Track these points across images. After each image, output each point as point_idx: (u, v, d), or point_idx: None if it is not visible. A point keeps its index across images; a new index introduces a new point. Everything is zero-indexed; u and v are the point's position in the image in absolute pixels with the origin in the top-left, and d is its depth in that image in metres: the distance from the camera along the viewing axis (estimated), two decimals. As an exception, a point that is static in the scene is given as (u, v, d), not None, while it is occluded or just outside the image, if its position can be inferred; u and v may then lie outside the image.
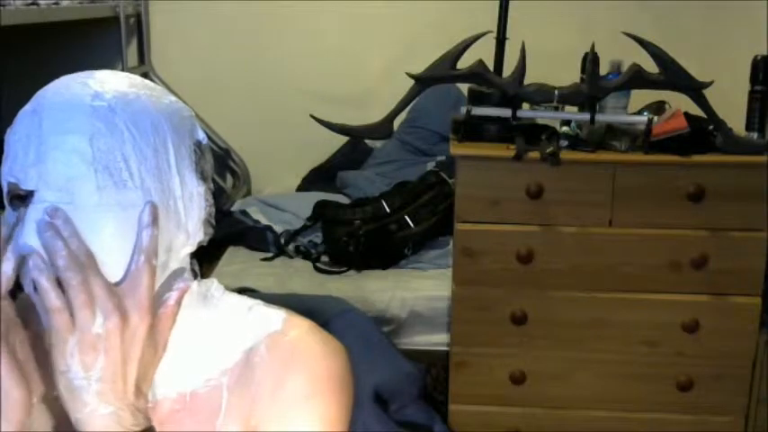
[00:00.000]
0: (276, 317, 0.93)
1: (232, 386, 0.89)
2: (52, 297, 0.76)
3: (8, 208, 0.82)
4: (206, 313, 0.91)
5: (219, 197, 3.22)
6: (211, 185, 0.90)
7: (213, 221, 0.90)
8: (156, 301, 0.83)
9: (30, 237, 0.78)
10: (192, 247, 0.89)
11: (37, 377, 0.81)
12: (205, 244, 0.91)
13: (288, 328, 0.91)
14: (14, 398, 0.78)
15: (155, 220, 0.80)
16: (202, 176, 0.88)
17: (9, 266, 0.78)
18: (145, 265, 0.79)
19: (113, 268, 0.79)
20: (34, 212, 0.79)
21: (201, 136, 0.90)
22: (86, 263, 0.77)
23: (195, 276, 0.91)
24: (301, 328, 0.92)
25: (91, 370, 0.76)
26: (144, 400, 0.79)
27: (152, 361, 0.80)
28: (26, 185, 0.80)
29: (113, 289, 0.78)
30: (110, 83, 0.83)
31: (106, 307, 0.76)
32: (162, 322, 0.81)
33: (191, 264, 0.91)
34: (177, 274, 0.88)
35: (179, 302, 0.83)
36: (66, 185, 0.79)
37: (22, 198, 0.81)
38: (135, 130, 0.82)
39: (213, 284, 0.94)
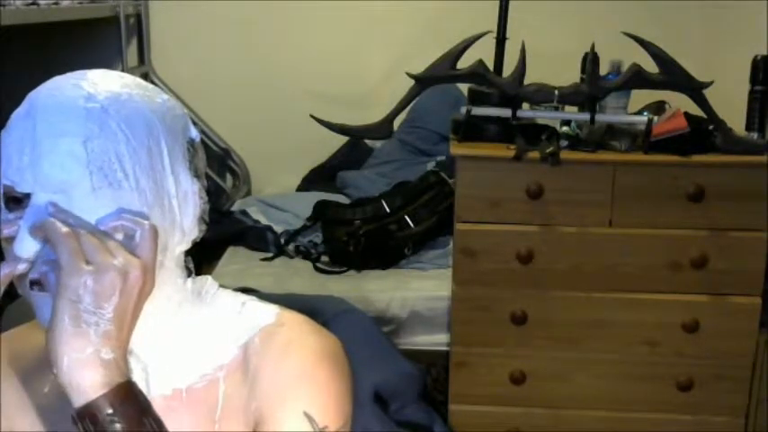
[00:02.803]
0: (269, 311, 0.94)
1: (230, 380, 0.89)
2: (59, 226, 0.76)
3: (4, 210, 0.82)
4: (200, 310, 0.91)
5: (219, 197, 3.22)
6: (205, 182, 0.91)
7: (207, 218, 0.91)
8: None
9: (27, 244, 0.78)
10: (187, 245, 0.89)
11: None
12: (198, 241, 0.91)
13: (281, 321, 0.92)
14: None
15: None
16: (196, 174, 0.89)
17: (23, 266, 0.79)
18: (150, 233, 0.80)
19: None
20: (30, 217, 0.79)
21: (194, 134, 0.91)
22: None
23: (189, 274, 0.92)
24: (294, 321, 0.93)
25: (103, 307, 0.75)
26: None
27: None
28: (21, 188, 0.80)
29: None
30: (102, 83, 0.83)
31: (129, 258, 0.77)
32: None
33: (185, 261, 0.91)
34: (172, 271, 0.88)
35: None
36: (61, 188, 0.79)
37: (18, 200, 0.81)
38: (129, 131, 0.82)
39: (207, 282, 0.95)
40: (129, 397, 0.76)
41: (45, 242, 0.78)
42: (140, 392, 0.78)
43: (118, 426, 0.74)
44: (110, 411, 0.74)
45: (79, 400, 0.74)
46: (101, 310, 0.75)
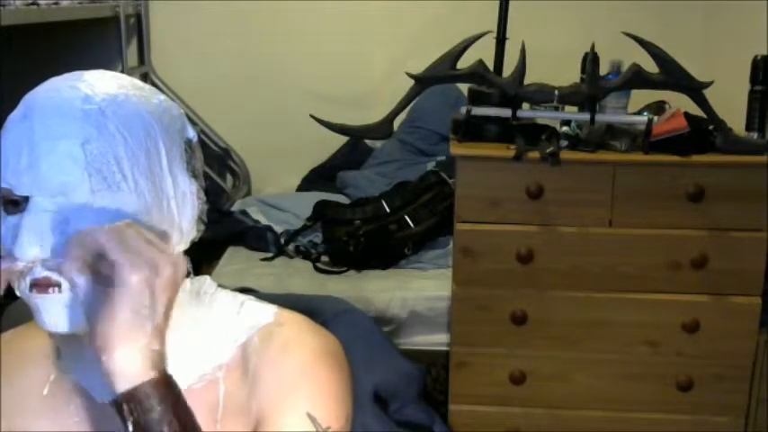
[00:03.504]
0: (268, 311, 0.94)
1: (229, 379, 0.89)
2: (98, 228, 0.76)
3: (2, 213, 0.82)
4: (199, 310, 0.91)
5: (219, 197, 3.22)
6: (203, 183, 0.91)
7: (205, 218, 0.91)
8: None
9: (27, 246, 0.77)
10: (185, 245, 0.89)
11: None
12: (197, 241, 0.91)
13: (280, 320, 0.93)
14: None
15: None
16: (194, 174, 0.89)
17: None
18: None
19: None
20: (29, 220, 0.79)
21: (192, 134, 0.91)
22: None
23: (188, 274, 0.92)
24: (293, 320, 0.94)
25: (159, 302, 0.76)
26: None
27: None
28: (20, 191, 0.80)
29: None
30: (99, 85, 0.83)
31: (157, 258, 0.77)
32: None
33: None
34: None
35: None
36: (60, 190, 0.79)
37: (16, 203, 0.80)
38: (126, 133, 0.82)
39: (206, 282, 0.95)
40: (168, 386, 0.77)
41: (86, 252, 0.77)
42: (176, 383, 0.78)
43: (157, 412, 0.75)
44: (151, 398, 0.75)
45: (124, 385, 0.75)
46: (157, 305, 0.76)
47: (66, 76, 0.85)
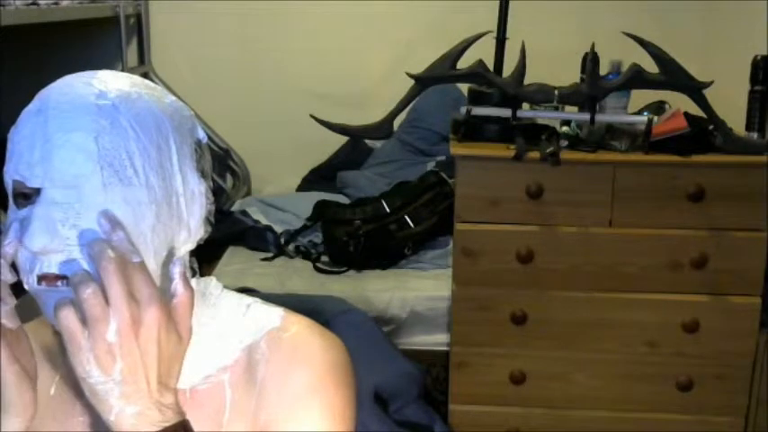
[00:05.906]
0: (275, 314, 0.93)
1: (235, 384, 0.89)
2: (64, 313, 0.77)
3: (12, 206, 0.83)
4: (204, 311, 0.91)
5: (219, 197, 3.22)
6: (211, 184, 0.91)
7: (213, 219, 0.91)
8: (162, 296, 0.84)
9: (37, 236, 0.78)
10: (192, 245, 0.89)
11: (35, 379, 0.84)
12: (202, 242, 0.91)
13: (287, 325, 0.92)
14: (26, 400, 0.82)
15: (115, 224, 0.79)
16: (203, 175, 0.90)
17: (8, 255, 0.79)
18: (140, 264, 0.78)
19: None
20: (40, 211, 0.79)
21: (202, 135, 0.92)
22: (111, 267, 0.76)
23: (194, 274, 0.92)
24: (300, 325, 0.93)
25: (111, 374, 0.75)
26: (171, 394, 0.79)
27: (176, 353, 0.79)
28: (32, 183, 0.80)
29: (130, 290, 0.77)
30: (112, 82, 0.84)
31: (120, 314, 0.76)
32: (178, 312, 0.80)
33: (190, 262, 0.91)
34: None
35: (188, 285, 0.82)
36: (72, 183, 0.80)
37: (27, 196, 0.81)
38: (139, 129, 0.82)
39: (212, 282, 0.95)
40: None
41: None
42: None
43: None
44: None
45: None
46: (110, 377, 0.76)
47: (80, 73, 0.86)
